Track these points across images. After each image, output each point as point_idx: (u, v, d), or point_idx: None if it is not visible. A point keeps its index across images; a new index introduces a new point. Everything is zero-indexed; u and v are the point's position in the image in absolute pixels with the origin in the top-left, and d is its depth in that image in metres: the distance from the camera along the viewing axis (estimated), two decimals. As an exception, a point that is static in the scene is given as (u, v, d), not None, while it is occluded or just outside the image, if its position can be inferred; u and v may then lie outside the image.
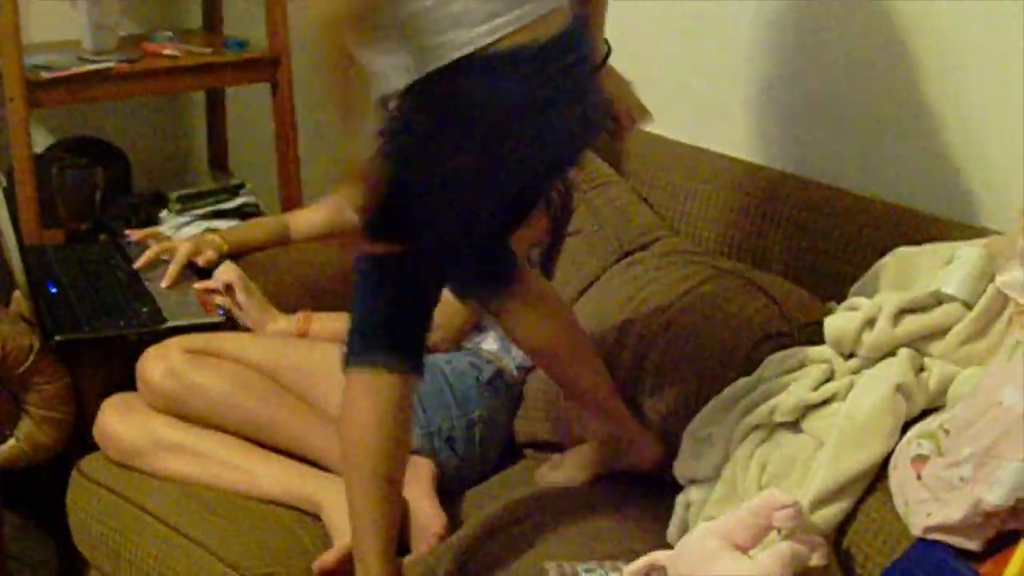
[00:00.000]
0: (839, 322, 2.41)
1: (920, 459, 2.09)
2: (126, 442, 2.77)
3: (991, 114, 2.62)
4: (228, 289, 2.96)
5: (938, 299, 2.34)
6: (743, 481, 2.36)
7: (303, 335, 2.91)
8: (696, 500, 2.44)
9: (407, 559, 2.50)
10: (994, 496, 1.92)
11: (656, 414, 2.66)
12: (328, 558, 2.51)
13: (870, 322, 2.36)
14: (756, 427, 2.41)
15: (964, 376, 2.25)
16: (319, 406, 2.74)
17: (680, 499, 2.48)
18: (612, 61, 2.46)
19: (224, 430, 2.73)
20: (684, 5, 3.17)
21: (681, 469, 2.51)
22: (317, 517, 2.62)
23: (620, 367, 2.70)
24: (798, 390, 2.37)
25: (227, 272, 2.98)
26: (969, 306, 2.31)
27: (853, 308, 2.43)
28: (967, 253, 2.37)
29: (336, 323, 2.90)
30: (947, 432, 2.06)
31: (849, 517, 2.21)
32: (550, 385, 2.76)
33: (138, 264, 3.06)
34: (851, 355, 2.40)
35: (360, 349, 2.32)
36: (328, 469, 2.69)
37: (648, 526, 2.50)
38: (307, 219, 3.26)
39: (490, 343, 2.91)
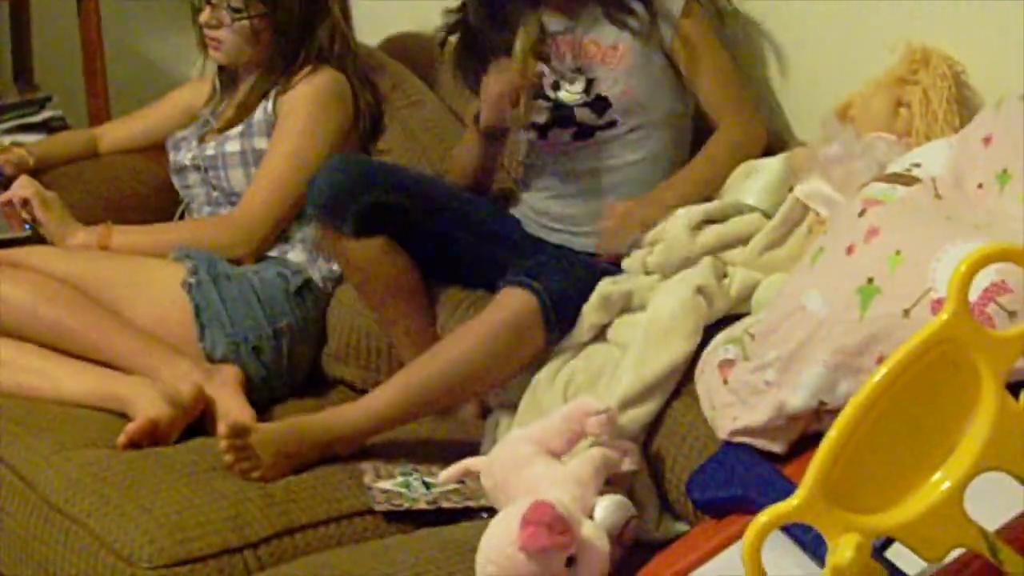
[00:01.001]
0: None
1: (727, 364, 2.13)
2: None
3: (802, 30, 2.67)
4: (25, 204, 2.90)
5: (739, 209, 2.40)
6: (548, 395, 2.39)
7: (104, 248, 2.88)
8: (504, 421, 2.47)
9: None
10: (797, 399, 1.96)
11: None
12: (131, 427, 2.50)
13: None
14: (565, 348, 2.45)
15: (768, 282, 2.29)
16: (124, 316, 2.73)
17: (490, 421, 2.52)
18: None
19: (29, 341, 2.69)
20: None
21: (493, 397, 2.54)
22: (122, 415, 2.59)
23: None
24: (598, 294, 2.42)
25: (24, 187, 2.93)
26: (768, 216, 2.37)
27: None
28: (767, 164, 2.43)
29: (137, 236, 2.89)
30: (753, 337, 2.10)
31: (657, 422, 2.25)
32: (358, 324, 2.80)
33: (-59, 179, 2.99)
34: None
35: None
36: None
37: (466, 447, 2.51)
38: (115, 132, 3.27)
39: (297, 253, 2.89)
